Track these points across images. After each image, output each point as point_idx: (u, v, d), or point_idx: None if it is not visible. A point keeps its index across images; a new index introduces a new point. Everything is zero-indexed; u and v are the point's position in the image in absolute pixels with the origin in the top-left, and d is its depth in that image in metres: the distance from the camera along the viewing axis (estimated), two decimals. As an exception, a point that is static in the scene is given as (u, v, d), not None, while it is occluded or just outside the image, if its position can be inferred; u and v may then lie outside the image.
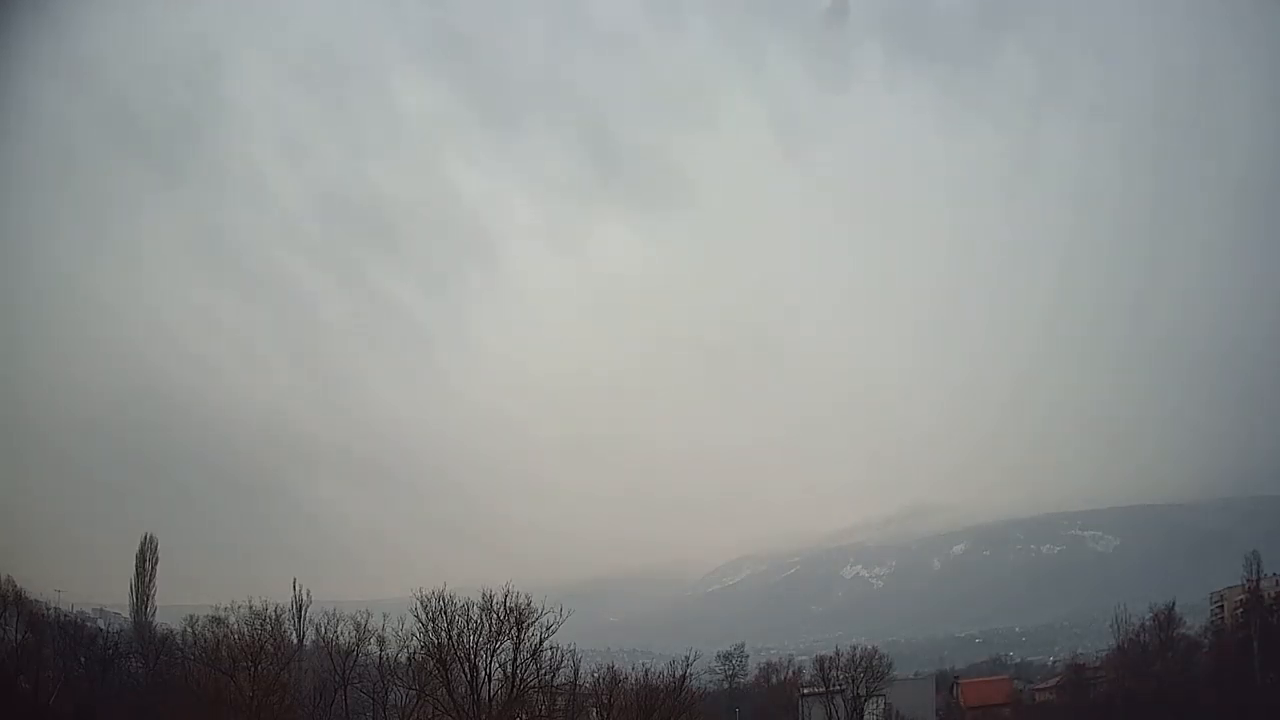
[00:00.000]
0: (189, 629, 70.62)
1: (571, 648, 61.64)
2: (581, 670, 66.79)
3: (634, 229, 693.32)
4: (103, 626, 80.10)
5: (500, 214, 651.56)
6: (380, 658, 60.13)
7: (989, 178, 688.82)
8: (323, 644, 63.96)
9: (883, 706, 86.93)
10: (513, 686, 52.46)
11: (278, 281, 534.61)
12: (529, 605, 52.61)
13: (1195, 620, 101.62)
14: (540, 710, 56.87)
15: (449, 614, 51.43)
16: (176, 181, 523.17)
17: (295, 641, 64.56)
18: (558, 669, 57.28)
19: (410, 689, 54.50)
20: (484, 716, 50.52)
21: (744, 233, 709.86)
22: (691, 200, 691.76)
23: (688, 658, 68.70)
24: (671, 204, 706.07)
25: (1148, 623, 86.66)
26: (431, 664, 52.23)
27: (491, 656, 52.37)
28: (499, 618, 51.93)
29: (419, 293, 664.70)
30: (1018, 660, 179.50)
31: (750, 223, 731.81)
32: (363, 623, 61.66)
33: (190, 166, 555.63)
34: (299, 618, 66.28)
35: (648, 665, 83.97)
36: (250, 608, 55.12)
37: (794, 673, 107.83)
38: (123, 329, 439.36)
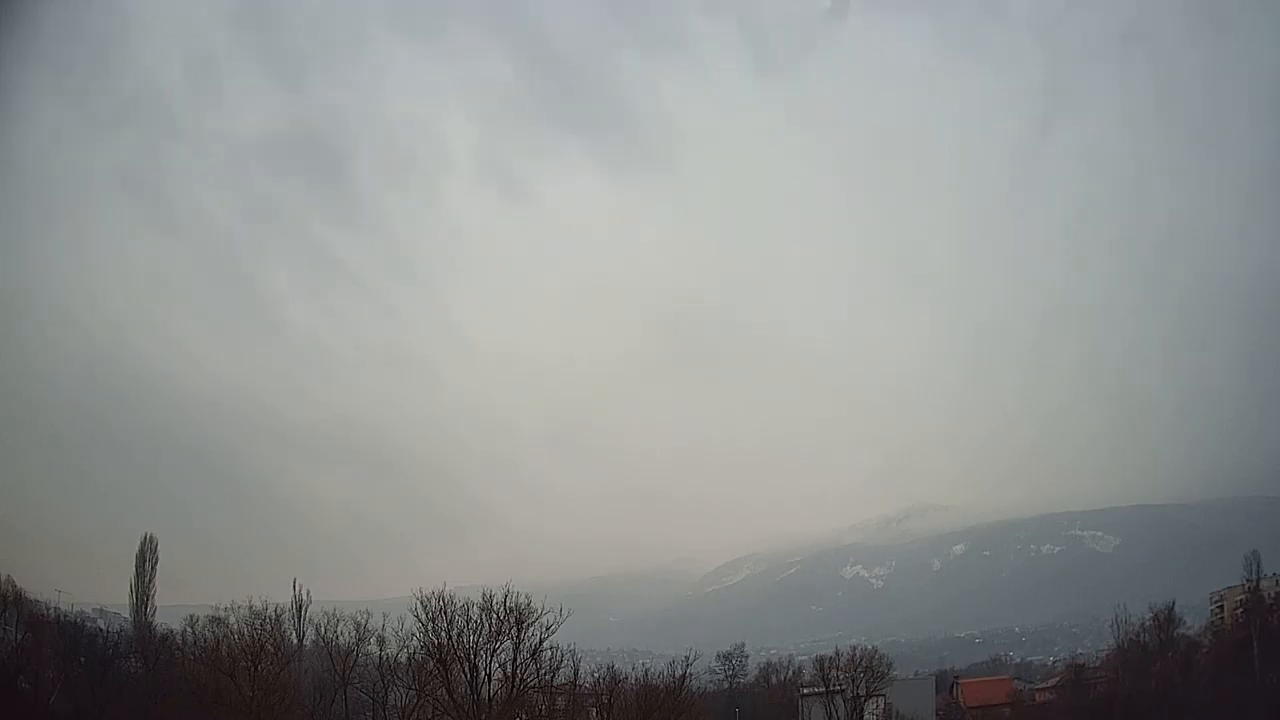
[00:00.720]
0: (189, 629, 70.67)
1: (571, 648, 61.69)
2: (581, 670, 66.85)
3: (600, 180, 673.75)
4: (103, 626, 79.94)
5: (444, 148, 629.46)
6: (380, 658, 60.07)
7: (996, 148, 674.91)
8: (323, 644, 63.85)
9: (883, 706, 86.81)
10: (513, 686, 52.47)
11: (220, 239, 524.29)
12: (529, 605, 52.70)
13: (1195, 620, 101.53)
14: (540, 710, 56.87)
15: (449, 614, 51.49)
16: (96, 118, 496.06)
17: (295, 641, 64.53)
18: (558, 669, 57.29)
19: (410, 689, 54.44)
20: (484, 716, 50.53)
21: (728, 199, 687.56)
22: (664, 146, 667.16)
23: (688, 658, 68.82)
24: (640, 148, 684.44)
25: (1148, 623, 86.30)
26: (431, 664, 52.25)
27: (491, 656, 52.42)
28: (499, 618, 51.96)
29: (377, 257, 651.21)
30: (1018, 660, 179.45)
31: (735, 184, 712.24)
32: (363, 623, 61.68)
33: (107, 98, 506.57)
34: (299, 618, 66.28)
35: (648, 665, 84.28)
36: (250, 608, 55.17)
37: (794, 673, 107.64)
38: (88, 309, 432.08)
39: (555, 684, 57.29)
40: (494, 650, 52.35)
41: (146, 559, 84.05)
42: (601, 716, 60.49)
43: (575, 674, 63.37)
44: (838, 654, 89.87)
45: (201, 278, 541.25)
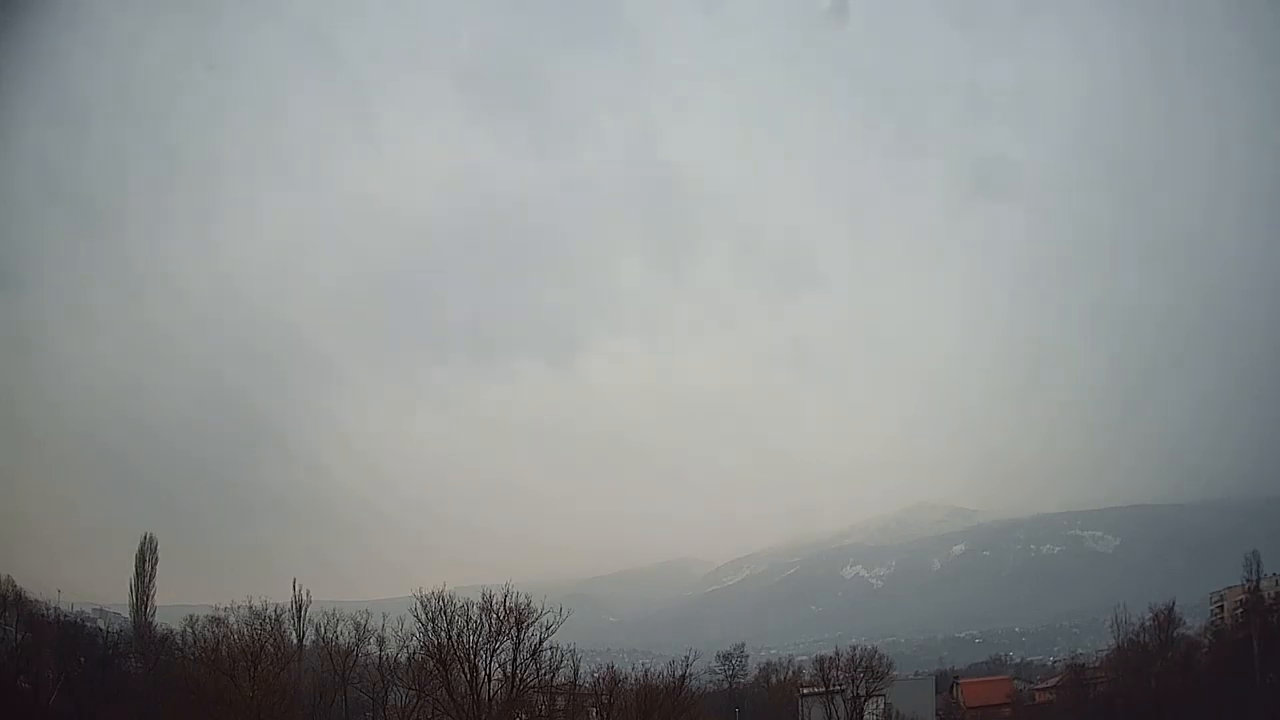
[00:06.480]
0: (189, 629, 70.73)
1: (571, 648, 61.66)
2: (581, 670, 66.92)
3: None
4: (103, 626, 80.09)
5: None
6: (380, 658, 60.23)
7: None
8: (323, 644, 63.95)
9: (883, 706, 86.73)
10: (513, 686, 52.42)
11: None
12: (529, 605, 52.61)
13: (1195, 620, 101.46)
14: (540, 710, 56.89)
15: (449, 614, 51.35)
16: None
17: (295, 641, 64.54)
18: (558, 669, 57.25)
19: (410, 689, 54.49)
20: (484, 716, 50.47)
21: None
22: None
23: (688, 658, 68.75)
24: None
25: (1148, 623, 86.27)
26: (431, 664, 52.18)
27: (491, 656, 52.31)
28: (499, 618, 51.86)
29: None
30: (1018, 660, 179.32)
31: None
32: (363, 623, 61.84)
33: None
34: (299, 618, 66.19)
35: (648, 665, 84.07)
36: (250, 608, 55.33)
37: (794, 673, 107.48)
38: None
39: (555, 684, 57.30)
40: (494, 650, 52.25)
41: (146, 559, 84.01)
42: (601, 716, 60.43)
43: (575, 674, 63.39)
44: (838, 654, 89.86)
45: (204, 282, 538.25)
